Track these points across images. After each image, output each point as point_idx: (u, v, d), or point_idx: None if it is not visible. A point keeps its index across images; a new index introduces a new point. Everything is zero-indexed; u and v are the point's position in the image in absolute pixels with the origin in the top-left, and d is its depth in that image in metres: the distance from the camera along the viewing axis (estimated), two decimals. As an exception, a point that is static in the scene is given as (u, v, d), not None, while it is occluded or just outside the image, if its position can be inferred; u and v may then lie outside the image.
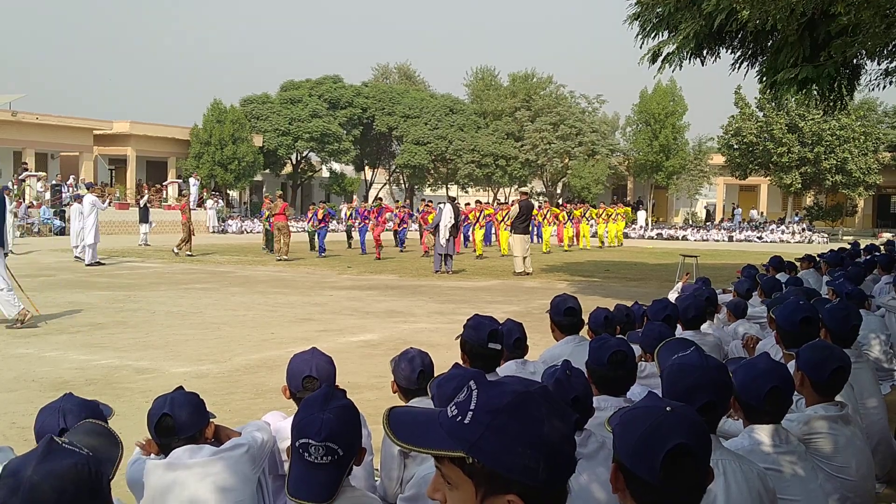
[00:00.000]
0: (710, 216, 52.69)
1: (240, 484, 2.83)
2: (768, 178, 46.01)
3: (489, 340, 3.68)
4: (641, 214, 46.79)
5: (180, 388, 3.00)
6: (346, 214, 28.65)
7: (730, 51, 11.44)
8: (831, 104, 11.32)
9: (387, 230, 28.69)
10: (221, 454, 2.84)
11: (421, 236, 25.37)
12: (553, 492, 1.35)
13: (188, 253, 22.27)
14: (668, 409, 1.78)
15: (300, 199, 49.78)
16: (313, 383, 3.21)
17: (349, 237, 27.02)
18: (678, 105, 48.57)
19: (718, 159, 48.20)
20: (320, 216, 23.89)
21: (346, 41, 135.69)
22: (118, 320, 10.82)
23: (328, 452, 2.27)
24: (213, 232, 36.64)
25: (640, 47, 11.46)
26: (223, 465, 2.81)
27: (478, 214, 25.97)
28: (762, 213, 50.07)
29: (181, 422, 2.82)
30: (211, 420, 2.98)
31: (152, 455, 2.89)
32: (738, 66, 11.64)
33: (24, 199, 32.03)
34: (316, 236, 24.08)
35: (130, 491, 2.95)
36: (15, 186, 33.06)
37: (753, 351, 5.40)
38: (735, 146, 44.92)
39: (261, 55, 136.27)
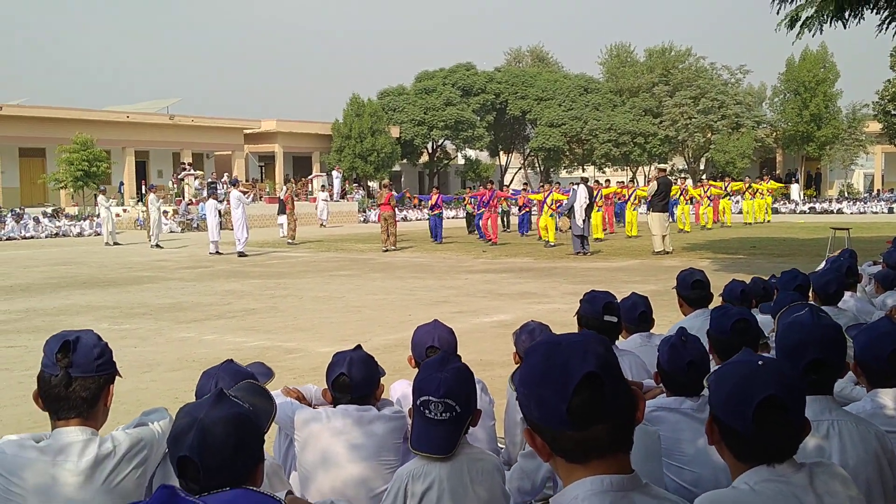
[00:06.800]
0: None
1: (374, 445, 3.04)
2: (932, 144, 42.65)
3: (604, 313, 3.74)
4: (794, 188, 44.51)
5: (359, 346, 3.23)
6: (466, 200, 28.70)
7: (875, 11, 10.75)
8: None
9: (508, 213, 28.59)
10: (364, 421, 3.06)
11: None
12: (565, 435, 1.44)
13: (290, 241, 23.31)
14: (759, 362, 1.84)
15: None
16: (436, 353, 3.40)
17: (469, 223, 27.12)
18: (829, 71, 45.79)
19: (875, 126, 45.09)
20: (433, 202, 23.93)
21: (478, 28, 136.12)
22: (270, 306, 11.52)
23: (447, 409, 2.45)
24: (322, 226, 32.93)
25: (778, 13, 10.98)
26: (360, 432, 3.04)
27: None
28: (928, 182, 46.47)
29: (355, 382, 3.07)
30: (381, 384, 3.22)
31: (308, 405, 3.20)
32: (885, 26, 10.94)
33: (183, 197, 34.25)
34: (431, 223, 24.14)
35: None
36: (175, 185, 35.48)
37: (897, 322, 5.15)
38: (893, 112, 41.87)
39: (396, 48, 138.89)
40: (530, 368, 1.48)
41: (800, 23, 10.63)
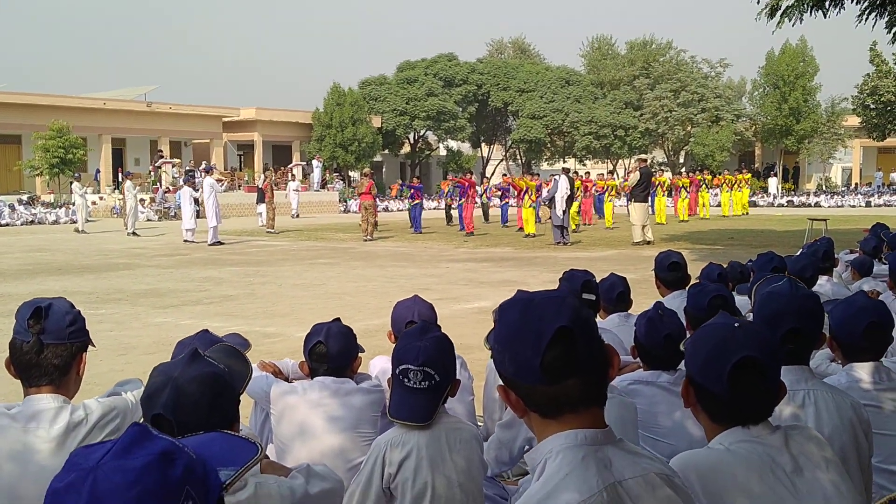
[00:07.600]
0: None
1: (352, 417, 3.03)
2: (910, 138, 43.09)
3: (583, 291, 3.76)
4: (773, 181, 44.88)
5: (338, 319, 3.22)
6: (444, 191, 28.52)
7: (855, 1, 10.82)
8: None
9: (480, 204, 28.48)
10: (341, 393, 3.05)
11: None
12: (538, 390, 1.44)
13: (269, 230, 23.13)
14: (736, 325, 1.85)
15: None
16: (416, 328, 3.39)
17: (448, 214, 27.07)
18: (809, 65, 46.16)
19: (853, 121, 45.51)
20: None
21: (461, 18, 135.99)
22: (248, 292, 11.45)
23: (426, 377, 2.44)
24: (294, 217, 31.47)
25: (758, 2, 11.01)
26: (337, 403, 3.03)
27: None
28: (905, 176, 46.98)
29: (332, 352, 3.06)
30: (360, 355, 3.21)
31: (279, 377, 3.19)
32: (864, 17, 11.02)
33: (160, 185, 33.92)
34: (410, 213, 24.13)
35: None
36: (152, 173, 35.15)
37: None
38: (872, 105, 42.25)
39: (377, 37, 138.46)
40: (505, 324, 1.47)
41: (780, 12, 10.67)
